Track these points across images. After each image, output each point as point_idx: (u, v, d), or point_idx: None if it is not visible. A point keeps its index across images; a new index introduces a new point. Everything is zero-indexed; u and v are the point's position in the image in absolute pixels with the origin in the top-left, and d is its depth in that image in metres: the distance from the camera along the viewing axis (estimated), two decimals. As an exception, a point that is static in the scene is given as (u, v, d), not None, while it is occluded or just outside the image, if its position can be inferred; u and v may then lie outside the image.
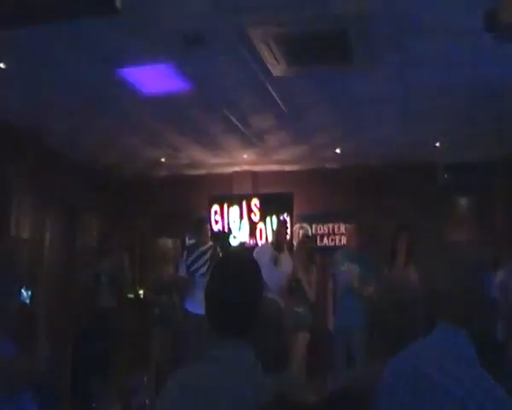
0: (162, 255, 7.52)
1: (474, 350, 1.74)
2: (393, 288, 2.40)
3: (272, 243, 7.56)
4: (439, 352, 1.75)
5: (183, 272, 7.12)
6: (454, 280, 1.83)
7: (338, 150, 7.94)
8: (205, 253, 7.00)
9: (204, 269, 6.82)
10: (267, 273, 6.81)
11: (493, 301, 1.89)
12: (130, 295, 8.69)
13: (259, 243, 8.62)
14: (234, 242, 8.82)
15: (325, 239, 8.77)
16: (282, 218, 8.46)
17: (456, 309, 1.80)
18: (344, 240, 8.42)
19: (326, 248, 8.49)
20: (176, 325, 7.41)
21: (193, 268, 6.97)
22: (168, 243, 7.67)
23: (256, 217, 8.87)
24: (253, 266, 1.98)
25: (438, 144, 7.49)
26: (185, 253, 7.27)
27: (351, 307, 6.63)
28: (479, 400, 1.57)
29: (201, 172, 9.22)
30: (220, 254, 6.92)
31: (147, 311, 7.45)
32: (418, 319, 2.31)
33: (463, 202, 8.47)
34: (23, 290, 2.63)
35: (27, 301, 2.63)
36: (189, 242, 8.36)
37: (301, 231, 8.72)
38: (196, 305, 6.58)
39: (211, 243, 7.25)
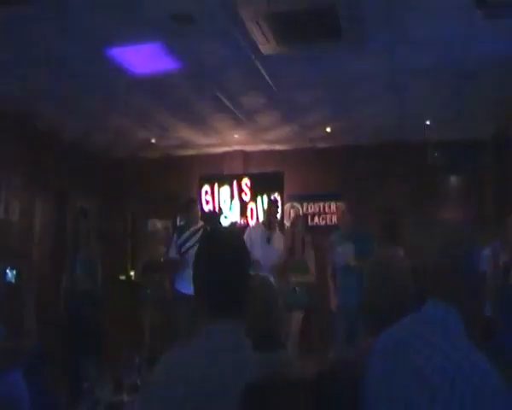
0: (152, 237, 7.51)
1: (462, 326, 1.76)
2: (382, 263, 2.41)
3: (264, 222, 7.58)
4: (428, 328, 1.76)
5: (173, 253, 7.12)
6: (443, 256, 1.83)
7: (328, 129, 7.93)
8: (196, 233, 7.00)
9: (195, 249, 6.80)
10: (260, 252, 6.89)
11: (482, 277, 1.91)
12: (122, 277, 8.70)
13: (250, 222, 8.65)
14: (225, 222, 8.83)
15: (316, 218, 8.78)
16: (272, 197, 8.48)
17: (445, 285, 1.81)
18: (335, 219, 8.46)
19: (317, 228, 8.51)
20: (166, 306, 7.43)
21: (184, 248, 6.97)
22: (158, 224, 7.65)
23: (247, 196, 8.87)
24: (239, 243, 1.97)
25: (428, 122, 7.50)
26: (176, 233, 7.27)
27: (352, 285, 6.68)
28: (466, 373, 1.59)
29: (192, 152, 9.19)
30: None
31: (138, 292, 7.46)
32: (408, 295, 2.32)
33: (453, 179, 8.50)
34: (8, 271, 2.65)
35: (12, 280, 2.65)
36: (179, 223, 8.36)
37: (292, 211, 8.74)
38: (187, 285, 6.60)
39: (202, 223, 7.25)
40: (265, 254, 6.94)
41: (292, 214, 8.54)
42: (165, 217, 9.15)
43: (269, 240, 7.21)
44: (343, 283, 6.86)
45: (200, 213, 7.50)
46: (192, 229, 7.05)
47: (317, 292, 7.24)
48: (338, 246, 6.92)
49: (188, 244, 6.95)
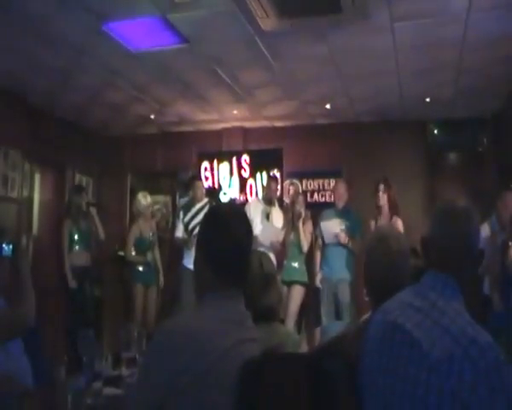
0: (142, 212, 7.50)
1: (461, 298, 1.77)
2: (382, 237, 2.41)
3: (263, 198, 7.59)
4: (426, 301, 1.77)
5: (180, 232, 7.13)
6: (443, 231, 1.84)
7: (328, 106, 7.90)
8: (202, 209, 7.00)
9: None
10: (259, 229, 6.90)
11: (481, 255, 1.91)
12: (121, 253, 8.72)
13: (249, 199, 8.65)
14: (224, 198, 8.83)
15: (315, 195, 8.78)
16: (272, 174, 8.48)
17: (445, 260, 1.82)
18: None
19: (316, 204, 8.51)
20: (158, 283, 7.47)
21: (191, 226, 6.98)
22: (148, 198, 7.62)
23: (246, 173, 8.87)
24: (243, 216, 1.98)
25: (428, 100, 7.47)
26: (181, 212, 7.27)
27: (338, 260, 6.74)
28: (465, 347, 1.60)
29: (191, 128, 9.16)
30: None
31: (130, 270, 7.47)
32: (406, 269, 2.33)
33: (453, 157, 8.49)
34: (4, 245, 2.69)
35: (9, 255, 2.69)
36: (182, 200, 8.37)
37: (291, 187, 8.74)
38: None
39: (206, 199, 7.25)
40: (265, 231, 6.96)
41: (291, 191, 8.54)
42: (165, 193, 9.18)
43: (268, 216, 7.23)
44: (330, 256, 6.91)
45: (204, 190, 7.50)
46: (198, 206, 7.05)
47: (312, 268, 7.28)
48: (329, 220, 6.97)
49: (194, 221, 6.95)
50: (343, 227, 6.84)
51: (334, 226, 6.88)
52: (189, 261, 6.85)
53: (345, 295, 6.73)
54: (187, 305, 6.59)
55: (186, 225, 7.05)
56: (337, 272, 6.75)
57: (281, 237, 7.05)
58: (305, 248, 7.07)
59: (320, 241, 7.11)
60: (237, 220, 1.93)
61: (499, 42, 5.52)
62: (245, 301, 1.90)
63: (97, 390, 2.93)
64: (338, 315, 6.78)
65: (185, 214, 7.11)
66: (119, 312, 7.95)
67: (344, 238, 6.77)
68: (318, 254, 7.13)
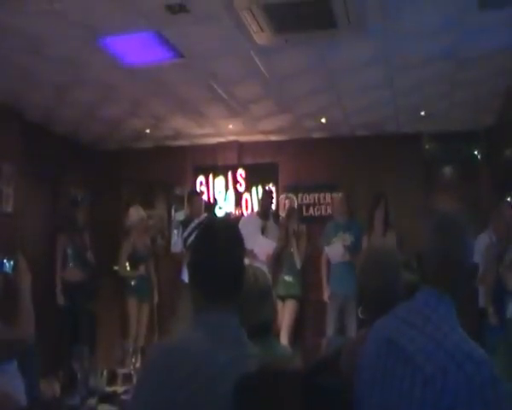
0: (135, 226, 7.47)
1: (455, 314, 1.76)
2: (375, 254, 2.42)
3: (258, 212, 7.59)
4: (420, 316, 1.77)
5: (178, 247, 7.11)
6: (437, 245, 1.84)
7: (323, 120, 7.91)
8: (200, 225, 6.98)
9: None
10: (254, 242, 6.90)
11: (475, 268, 1.91)
12: (116, 268, 8.69)
13: (245, 213, 8.65)
14: (220, 212, 8.82)
15: (311, 209, 8.77)
16: (267, 187, 8.48)
17: (439, 275, 1.82)
18: (329, 209, 8.45)
19: (312, 218, 8.50)
20: (152, 295, 7.44)
21: (190, 241, 6.97)
22: (141, 211, 7.59)
23: (241, 187, 8.87)
24: (235, 232, 1.98)
25: (423, 113, 7.49)
26: (180, 227, 7.25)
27: (345, 274, 6.73)
28: (458, 361, 1.60)
29: (186, 143, 9.16)
30: None
31: (124, 284, 7.45)
32: (399, 285, 2.33)
33: (448, 170, 8.50)
34: (5, 261, 2.64)
35: (10, 271, 2.64)
36: (178, 214, 8.34)
37: (287, 201, 8.74)
38: None
39: (205, 214, 7.24)
40: (260, 245, 6.95)
41: (287, 205, 8.54)
42: (160, 207, 9.17)
43: (263, 230, 7.22)
44: (337, 271, 6.90)
45: (203, 205, 7.48)
46: (196, 221, 7.04)
47: (313, 284, 7.27)
48: (334, 236, 6.97)
49: (193, 237, 6.93)
50: (348, 243, 6.84)
51: (338, 248, 6.89)
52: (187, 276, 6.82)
53: (351, 310, 6.71)
54: (185, 320, 6.57)
55: (185, 241, 7.03)
56: (344, 287, 6.73)
57: (275, 251, 7.06)
58: (299, 264, 7.08)
59: (325, 257, 7.13)
60: (228, 236, 1.92)
61: (492, 56, 5.55)
62: (240, 316, 1.89)
63: (92, 407, 2.91)
64: (343, 330, 6.78)
65: (184, 230, 7.10)
66: (113, 328, 7.90)
67: (348, 257, 6.78)
68: (325, 270, 7.13)
